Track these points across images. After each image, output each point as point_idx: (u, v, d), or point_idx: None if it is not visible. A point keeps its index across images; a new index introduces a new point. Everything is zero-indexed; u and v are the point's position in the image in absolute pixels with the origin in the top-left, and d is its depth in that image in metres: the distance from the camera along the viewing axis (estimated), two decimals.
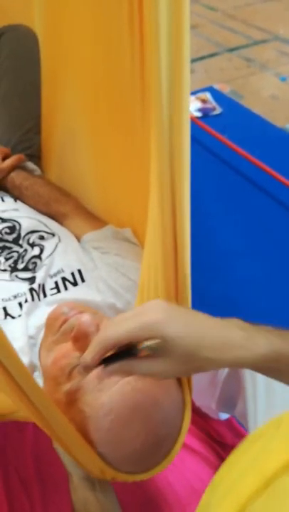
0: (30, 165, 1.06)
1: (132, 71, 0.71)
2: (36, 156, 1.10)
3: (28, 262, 0.84)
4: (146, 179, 0.74)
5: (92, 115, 0.87)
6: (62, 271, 0.82)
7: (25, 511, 0.94)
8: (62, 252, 0.85)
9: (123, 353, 0.46)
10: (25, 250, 0.86)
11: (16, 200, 0.99)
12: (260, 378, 0.73)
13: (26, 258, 0.85)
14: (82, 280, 0.80)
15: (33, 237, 0.89)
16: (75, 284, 0.80)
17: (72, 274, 0.81)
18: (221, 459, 1.02)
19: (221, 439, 1.04)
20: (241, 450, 0.41)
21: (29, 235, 0.89)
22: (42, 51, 1.04)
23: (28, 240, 0.88)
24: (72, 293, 0.78)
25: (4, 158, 1.01)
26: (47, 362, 0.64)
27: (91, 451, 0.57)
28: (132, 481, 0.61)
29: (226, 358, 0.46)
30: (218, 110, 1.95)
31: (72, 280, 0.81)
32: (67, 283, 0.80)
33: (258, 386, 0.73)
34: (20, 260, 0.85)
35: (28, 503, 0.95)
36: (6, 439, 1.03)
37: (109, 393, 0.55)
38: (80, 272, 0.81)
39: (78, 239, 0.90)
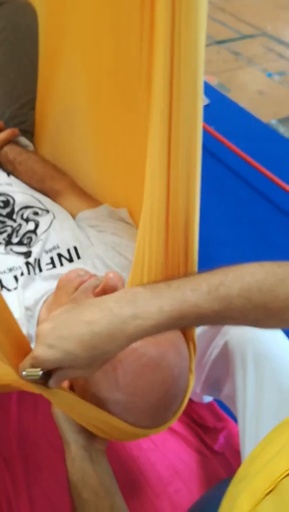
0: (24, 140, 1.05)
1: (139, 53, 0.70)
2: (29, 132, 1.08)
3: (22, 237, 0.83)
4: (144, 160, 0.73)
5: (93, 95, 0.86)
6: (58, 247, 0.81)
7: (8, 489, 0.94)
8: (57, 228, 0.84)
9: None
10: (20, 225, 0.85)
11: (8, 175, 0.97)
12: (250, 360, 0.74)
13: (21, 232, 0.84)
14: (78, 257, 0.80)
15: (27, 213, 0.87)
16: (70, 260, 0.80)
17: (68, 250, 0.81)
18: (202, 441, 1.04)
19: (202, 421, 1.06)
20: (278, 430, 0.43)
21: (23, 210, 0.88)
22: (41, 25, 1.02)
23: (22, 215, 0.87)
24: (68, 269, 0.77)
25: None
26: None
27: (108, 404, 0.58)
28: (143, 437, 0.62)
29: (120, 341, 0.49)
30: (206, 101, 1.96)
31: (67, 256, 0.80)
32: (62, 259, 0.80)
33: (248, 368, 0.74)
34: (14, 234, 0.83)
35: (11, 481, 0.95)
36: None
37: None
38: (75, 248, 0.81)
39: (73, 217, 0.90)
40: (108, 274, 0.57)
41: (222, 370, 0.82)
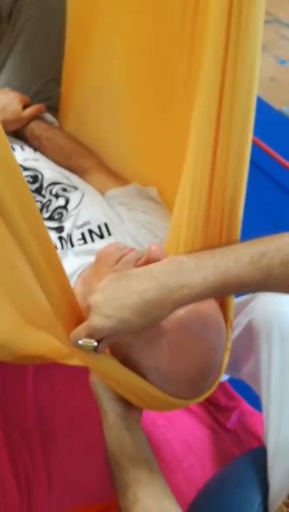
0: (49, 116, 1.05)
1: (181, 28, 0.70)
2: (54, 108, 1.08)
3: (53, 212, 0.84)
4: (178, 138, 0.74)
5: (128, 72, 0.86)
6: (89, 223, 0.82)
7: (26, 462, 0.95)
8: (88, 204, 0.85)
9: None
10: (50, 200, 0.86)
11: (35, 151, 0.97)
12: (276, 335, 0.76)
13: (51, 208, 0.84)
14: (109, 234, 0.81)
15: (56, 189, 0.88)
16: (101, 236, 0.81)
17: (99, 226, 0.82)
18: (215, 419, 1.07)
19: (215, 400, 1.08)
20: None
21: (51, 186, 0.88)
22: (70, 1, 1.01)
23: (51, 191, 0.88)
24: (99, 245, 0.78)
25: (25, 107, 0.99)
26: None
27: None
28: (180, 407, 0.65)
29: (168, 307, 0.53)
30: None
31: (98, 233, 0.81)
32: (93, 235, 0.81)
33: (274, 343, 0.75)
34: (44, 209, 0.84)
35: (28, 454, 0.97)
36: (5, 392, 1.04)
37: (186, 309, 0.58)
38: (106, 225, 0.82)
39: (101, 194, 0.90)
40: (151, 247, 0.59)
41: (244, 348, 0.83)
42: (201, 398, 0.65)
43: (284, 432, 0.73)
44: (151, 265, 0.55)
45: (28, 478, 0.94)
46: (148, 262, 0.59)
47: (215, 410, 1.08)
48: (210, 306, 0.61)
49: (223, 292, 0.55)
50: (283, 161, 1.60)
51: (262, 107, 2.00)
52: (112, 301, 0.52)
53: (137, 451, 0.60)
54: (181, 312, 0.58)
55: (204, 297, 0.54)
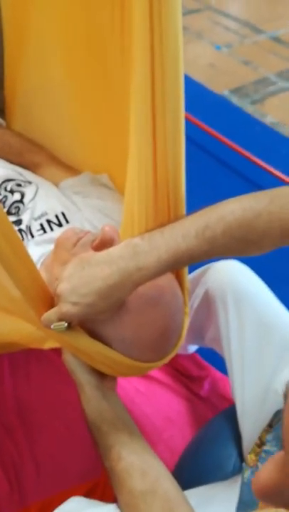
0: None
1: (111, 17, 0.74)
2: (0, 110, 1.10)
3: (10, 207, 0.86)
4: (122, 124, 0.78)
5: (67, 65, 0.89)
6: (46, 213, 0.85)
7: (12, 454, 0.98)
8: (43, 196, 0.88)
9: None
10: (5, 197, 0.88)
11: None
12: (230, 299, 0.81)
13: (8, 204, 0.87)
14: (67, 221, 0.84)
15: (10, 185, 0.91)
16: (60, 225, 0.84)
17: (56, 216, 0.85)
18: (189, 389, 1.12)
19: (187, 372, 1.14)
20: None
21: (5, 183, 0.91)
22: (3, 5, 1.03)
23: (6, 188, 0.90)
24: (58, 233, 0.80)
25: None
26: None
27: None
28: (147, 371, 0.69)
29: (129, 288, 0.58)
30: None
31: (56, 222, 0.84)
32: (52, 224, 0.84)
33: (229, 307, 0.80)
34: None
35: (14, 446, 0.99)
36: None
37: None
38: (63, 214, 0.85)
39: (56, 186, 0.94)
40: (104, 228, 0.63)
41: (204, 316, 0.88)
42: (166, 360, 0.69)
43: (248, 387, 0.78)
44: (109, 250, 0.60)
45: (16, 469, 0.96)
46: (102, 241, 0.63)
47: (188, 381, 1.13)
48: (163, 277, 0.66)
49: (176, 266, 0.60)
50: (228, 142, 1.67)
51: (204, 92, 2.07)
52: (78, 289, 0.57)
53: (115, 415, 0.64)
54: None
55: (160, 274, 0.59)
